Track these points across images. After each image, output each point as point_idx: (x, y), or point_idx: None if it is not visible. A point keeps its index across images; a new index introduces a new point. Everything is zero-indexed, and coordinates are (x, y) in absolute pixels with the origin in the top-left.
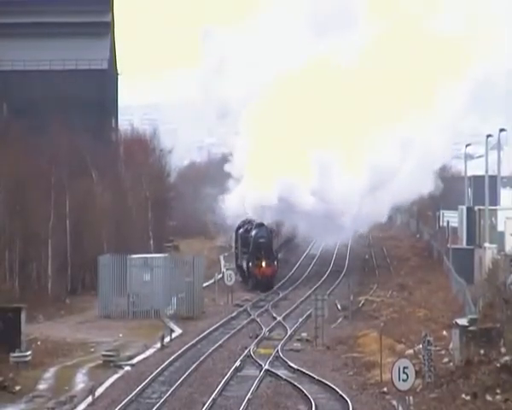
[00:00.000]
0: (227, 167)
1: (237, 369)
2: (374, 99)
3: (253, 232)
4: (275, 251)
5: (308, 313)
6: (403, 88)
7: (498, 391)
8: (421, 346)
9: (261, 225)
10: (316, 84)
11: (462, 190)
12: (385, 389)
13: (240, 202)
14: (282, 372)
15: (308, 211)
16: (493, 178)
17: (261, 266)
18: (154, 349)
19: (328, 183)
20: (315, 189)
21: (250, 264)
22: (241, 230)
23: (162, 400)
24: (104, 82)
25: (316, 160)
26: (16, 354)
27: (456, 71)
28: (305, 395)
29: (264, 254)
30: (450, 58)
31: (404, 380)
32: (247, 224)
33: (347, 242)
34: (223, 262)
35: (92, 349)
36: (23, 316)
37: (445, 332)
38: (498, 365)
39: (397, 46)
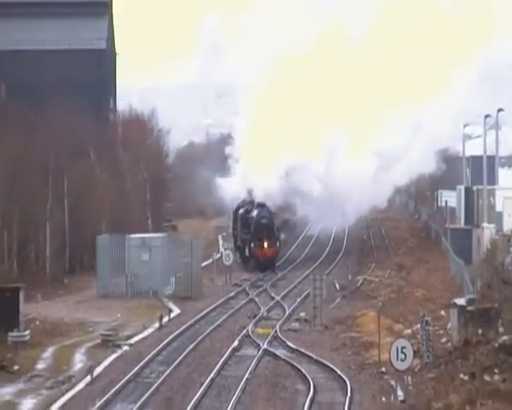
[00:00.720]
0: (227, 149)
1: (235, 349)
2: (381, 79)
3: (255, 213)
4: (276, 232)
5: (306, 292)
6: (412, 67)
7: (496, 371)
8: (419, 326)
9: (262, 205)
10: (321, 63)
11: (461, 171)
12: (383, 369)
13: (239, 184)
14: (280, 352)
15: (311, 194)
16: (491, 159)
17: (263, 247)
18: (153, 329)
19: (333, 169)
20: (320, 173)
21: (252, 245)
22: (240, 210)
23: (160, 380)
24: (102, 62)
25: (322, 143)
26: (14, 334)
27: (468, 50)
28: (304, 374)
29: (265, 234)
30: (463, 37)
31: (402, 360)
32: (247, 204)
33: (347, 224)
34: (221, 242)
35: (90, 329)
36: (21, 296)
37: (443, 312)
38: (496, 345)
39: (405, 24)
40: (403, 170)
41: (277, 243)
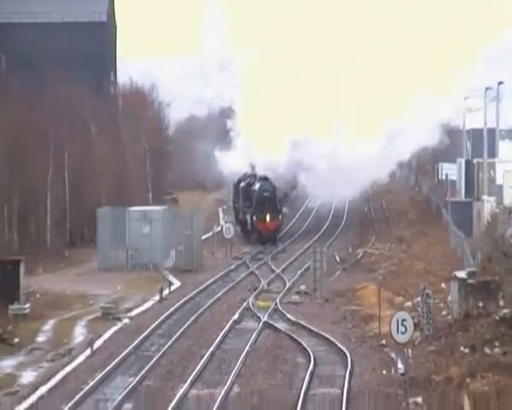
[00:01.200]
0: (229, 123)
1: (236, 322)
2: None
3: (257, 186)
4: (279, 205)
5: (307, 265)
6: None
7: (497, 344)
8: (419, 299)
9: (265, 178)
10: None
11: (461, 144)
12: (383, 342)
13: (240, 157)
14: (280, 325)
15: (314, 168)
16: (492, 131)
17: (265, 220)
18: (153, 302)
19: (337, 145)
20: (323, 148)
21: (254, 218)
22: (242, 183)
23: (161, 352)
24: (103, 35)
25: (326, 118)
26: (15, 307)
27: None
28: (304, 347)
29: (268, 207)
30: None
31: (402, 333)
32: (249, 177)
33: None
34: (221, 215)
35: (91, 302)
36: (22, 268)
37: (443, 285)
38: (497, 317)
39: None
40: (406, 145)
41: (279, 217)
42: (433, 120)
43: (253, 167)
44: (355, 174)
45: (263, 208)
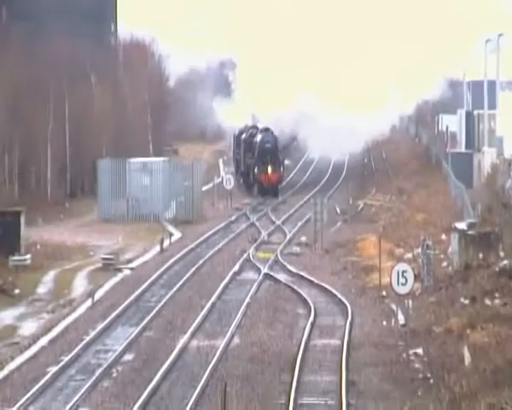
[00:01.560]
0: (229, 75)
1: (236, 273)
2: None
3: (259, 137)
4: (281, 156)
5: (307, 217)
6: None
7: (497, 295)
8: (419, 250)
9: (267, 129)
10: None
11: (461, 95)
12: (384, 293)
13: (241, 110)
14: (280, 276)
15: (316, 122)
16: (492, 83)
17: (267, 171)
18: (154, 253)
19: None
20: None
21: (255, 170)
22: (244, 135)
23: (161, 303)
24: None
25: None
26: (15, 258)
27: None
28: (304, 298)
29: (270, 159)
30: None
31: (402, 284)
32: (250, 129)
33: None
34: (221, 166)
35: (91, 253)
36: (22, 219)
37: (443, 236)
38: (497, 269)
39: None
40: (407, 96)
41: (281, 168)
42: (434, 72)
43: (254, 118)
44: (357, 129)
45: (264, 160)
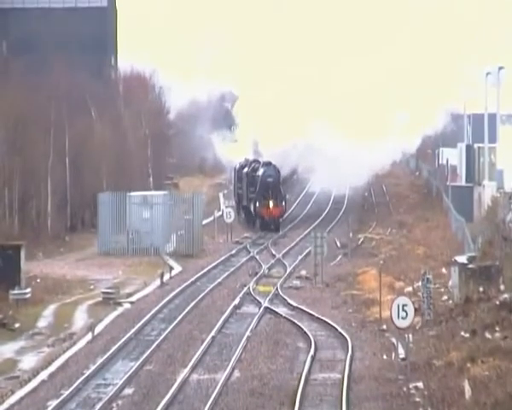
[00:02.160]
0: (229, 106)
1: (236, 307)
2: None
3: (261, 171)
4: (283, 191)
5: (307, 250)
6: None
7: (497, 329)
8: (420, 283)
9: (269, 163)
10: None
11: (462, 129)
12: (384, 327)
13: (241, 144)
14: (281, 310)
15: (315, 160)
16: (493, 116)
17: (268, 206)
18: (154, 287)
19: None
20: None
21: (257, 204)
22: (246, 169)
23: (162, 337)
24: (103, 19)
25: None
26: (16, 292)
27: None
28: (305, 332)
29: (271, 194)
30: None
31: (403, 318)
32: (253, 162)
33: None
34: (222, 200)
35: (92, 287)
36: (23, 253)
37: (444, 270)
38: (497, 302)
39: None
40: (411, 136)
41: (283, 203)
42: (438, 108)
43: (255, 152)
44: (358, 166)
45: (266, 194)
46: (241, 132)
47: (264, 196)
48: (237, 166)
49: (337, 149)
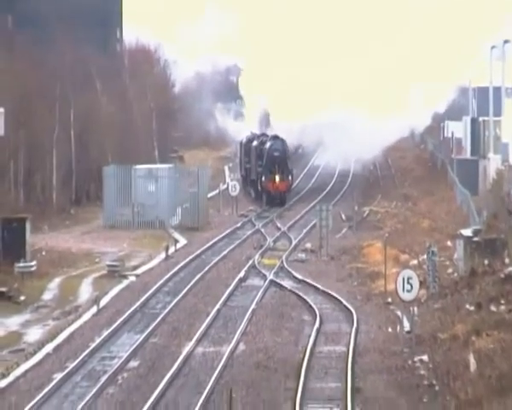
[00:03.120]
0: (234, 79)
1: (242, 279)
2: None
3: (268, 145)
4: (290, 165)
5: (312, 223)
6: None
7: (502, 301)
8: (425, 256)
9: (276, 137)
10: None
11: (467, 101)
12: (389, 300)
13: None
14: (286, 283)
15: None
16: (498, 89)
17: (274, 180)
18: (159, 260)
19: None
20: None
21: (263, 178)
22: (254, 142)
23: (166, 310)
24: None
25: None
26: (21, 265)
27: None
28: (310, 305)
29: (278, 168)
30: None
31: (408, 291)
32: (261, 136)
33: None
34: (227, 173)
35: (97, 259)
36: (28, 226)
37: (449, 243)
38: (502, 275)
39: None
40: (420, 112)
41: (289, 177)
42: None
43: (262, 125)
44: (366, 141)
45: (272, 168)
46: (248, 106)
47: (270, 171)
48: (244, 139)
49: (350, 123)
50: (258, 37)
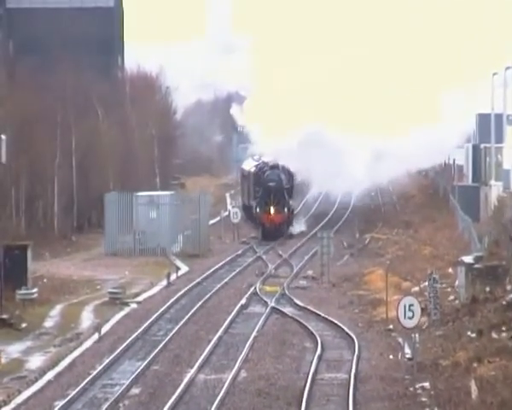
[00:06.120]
0: (236, 109)
1: (243, 307)
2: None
3: (266, 174)
4: (287, 196)
5: (314, 250)
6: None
7: (504, 329)
8: (426, 283)
9: (275, 166)
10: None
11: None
12: (391, 327)
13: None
14: (287, 310)
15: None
16: (499, 116)
17: (269, 212)
18: (160, 287)
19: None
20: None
21: (257, 209)
22: (253, 169)
23: (168, 337)
24: (110, 19)
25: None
26: (22, 292)
27: None
28: (311, 332)
29: (273, 199)
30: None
31: (409, 318)
32: (261, 164)
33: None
34: (228, 200)
35: (98, 287)
36: (29, 253)
37: (450, 270)
38: (504, 302)
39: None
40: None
41: (286, 209)
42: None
43: (261, 154)
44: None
45: (267, 199)
46: (249, 132)
47: (265, 201)
48: (245, 166)
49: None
50: (262, 65)
